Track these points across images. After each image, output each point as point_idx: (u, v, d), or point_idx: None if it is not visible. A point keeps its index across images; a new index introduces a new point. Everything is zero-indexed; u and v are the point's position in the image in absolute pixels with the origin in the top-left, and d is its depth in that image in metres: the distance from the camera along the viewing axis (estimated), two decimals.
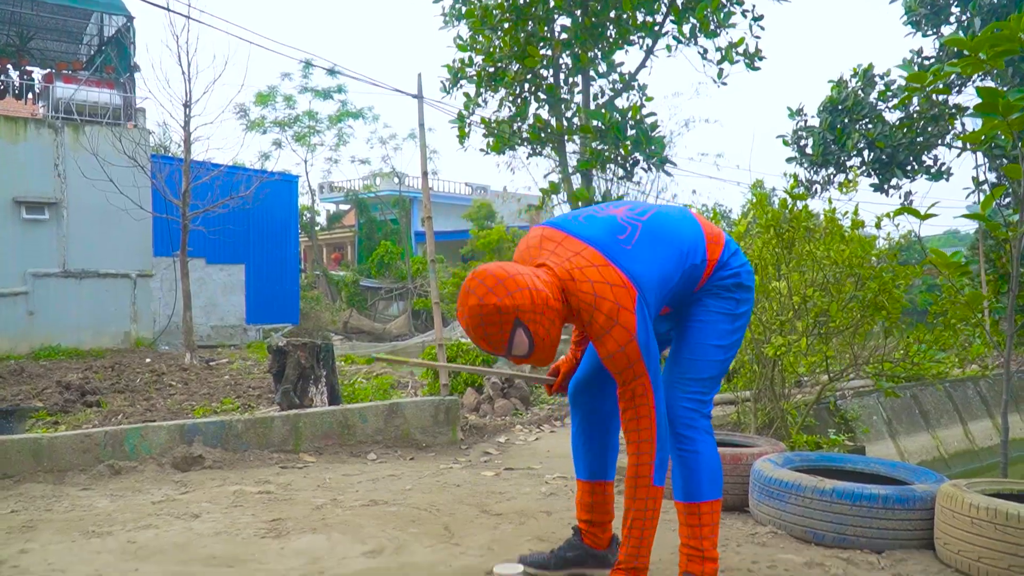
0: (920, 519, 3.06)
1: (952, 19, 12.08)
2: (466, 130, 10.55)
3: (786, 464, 3.58)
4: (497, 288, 2.07)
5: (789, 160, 12.95)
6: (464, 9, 10.25)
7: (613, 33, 9.86)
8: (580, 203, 9.46)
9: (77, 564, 2.93)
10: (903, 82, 9.11)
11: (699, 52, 10.03)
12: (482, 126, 10.42)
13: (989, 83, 10.13)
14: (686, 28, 9.72)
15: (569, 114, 10.26)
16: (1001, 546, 2.68)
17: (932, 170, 12.18)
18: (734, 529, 3.42)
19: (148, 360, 11.18)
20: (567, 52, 9.86)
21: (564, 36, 9.74)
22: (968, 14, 11.42)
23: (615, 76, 10.40)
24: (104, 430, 4.70)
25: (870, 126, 11.90)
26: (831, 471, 3.65)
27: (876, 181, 12.31)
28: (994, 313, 9.92)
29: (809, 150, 12.60)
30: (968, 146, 10.95)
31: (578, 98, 10.37)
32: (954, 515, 2.85)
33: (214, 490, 4.15)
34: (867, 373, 5.36)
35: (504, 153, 11.02)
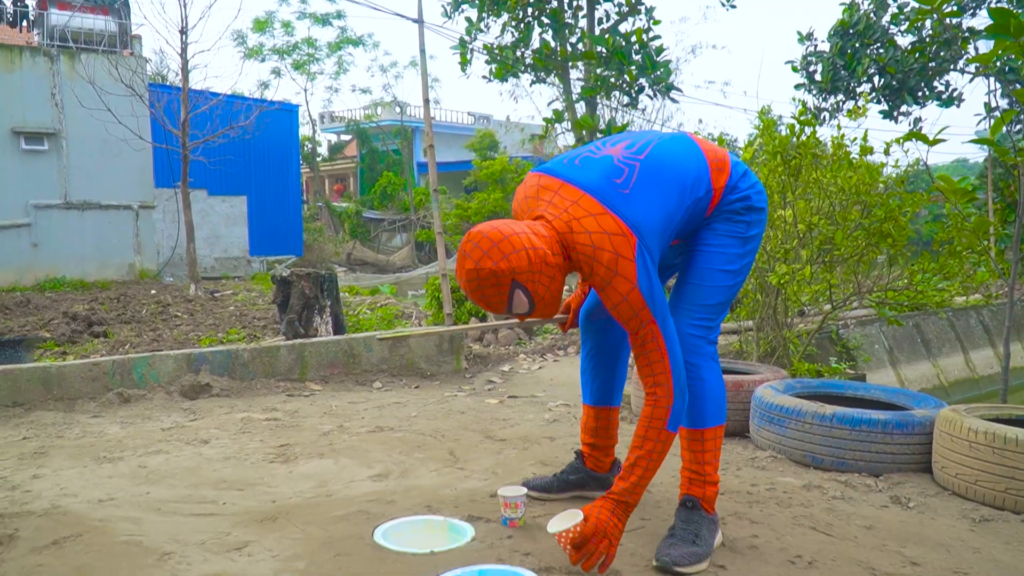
0: (918, 443, 3.10)
1: None
2: (468, 57, 10.35)
3: (787, 390, 3.61)
4: (492, 251, 2.04)
5: (798, 87, 12.72)
6: None
7: None
8: (584, 132, 9.33)
9: (89, 488, 2.99)
10: (916, 4, 8.87)
11: None
12: (484, 52, 10.21)
13: (1004, 5, 9.85)
14: None
15: (573, 39, 10.04)
16: (999, 469, 2.72)
17: (943, 96, 11.96)
18: (735, 454, 3.48)
19: (153, 292, 11.23)
20: None
21: None
22: None
23: None
24: (112, 359, 4.75)
25: (881, 51, 11.64)
26: (831, 397, 3.69)
27: (886, 108, 12.12)
28: (1000, 242, 9.88)
29: (818, 76, 12.36)
30: (979, 68, 10.72)
31: (582, 23, 10.13)
32: (953, 439, 2.88)
33: (222, 417, 4.21)
34: (870, 302, 5.36)
35: (507, 80, 10.83)
